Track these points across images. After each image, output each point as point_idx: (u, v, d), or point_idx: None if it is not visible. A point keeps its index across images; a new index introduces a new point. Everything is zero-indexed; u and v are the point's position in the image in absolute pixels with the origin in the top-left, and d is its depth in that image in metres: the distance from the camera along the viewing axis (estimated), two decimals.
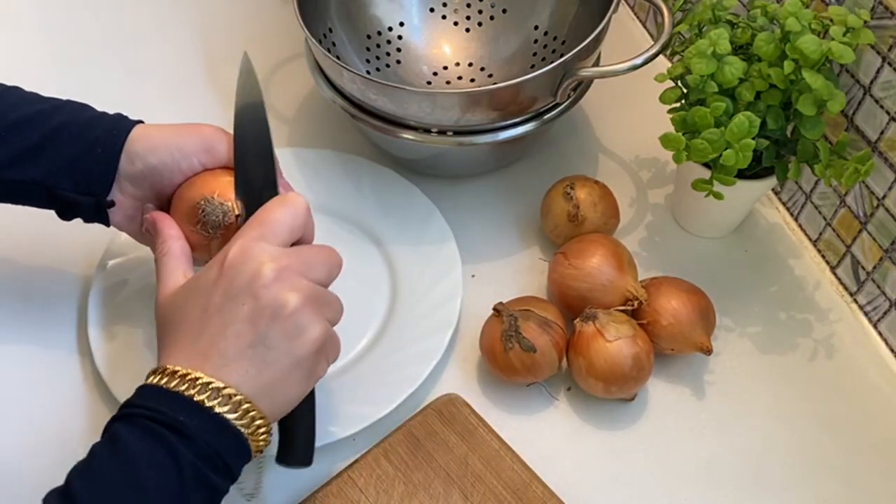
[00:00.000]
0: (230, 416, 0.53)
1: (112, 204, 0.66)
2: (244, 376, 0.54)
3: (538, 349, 0.68)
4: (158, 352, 0.57)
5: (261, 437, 0.55)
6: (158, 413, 0.52)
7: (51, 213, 0.68)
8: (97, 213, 0.66)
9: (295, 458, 0.60)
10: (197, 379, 0.53)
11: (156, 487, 0.50)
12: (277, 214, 0.58)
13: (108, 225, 0.68)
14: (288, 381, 0.56)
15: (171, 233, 0.62)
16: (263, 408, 0.54)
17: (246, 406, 0.53)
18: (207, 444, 0.52)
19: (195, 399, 0.52)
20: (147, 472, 0.50)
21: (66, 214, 0.68)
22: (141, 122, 0.67)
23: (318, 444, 0.67)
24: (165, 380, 0.53)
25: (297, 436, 0.60)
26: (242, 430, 0.53)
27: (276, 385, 0.55)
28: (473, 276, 0.79)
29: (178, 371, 0.53)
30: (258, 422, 0.54)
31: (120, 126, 0.66)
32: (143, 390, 0.54)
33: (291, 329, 0.55)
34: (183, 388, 0.53)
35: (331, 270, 0.59)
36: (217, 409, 0.52)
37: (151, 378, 0.54)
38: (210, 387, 0.53)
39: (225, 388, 0.53)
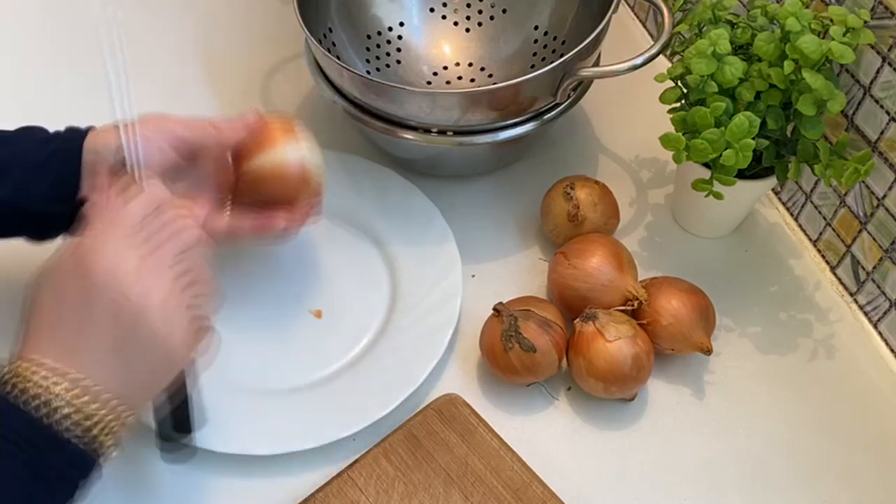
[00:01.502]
0: (77, 424, 0.51)
1: (84, 201, 0.63)
2: (105, 371, 0.53)
3: (538, 349, 0.68)
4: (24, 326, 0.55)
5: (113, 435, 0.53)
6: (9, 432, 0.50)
7: None
8: (72, 221, 0.64)
9: (171, 438, 0.60)
10: (55, 385, 0.51)
11: None
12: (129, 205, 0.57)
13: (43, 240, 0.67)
14: (150, 367, 0.55)
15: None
16: (125, 393, 0.53)
17: (96, 408, 0.52)
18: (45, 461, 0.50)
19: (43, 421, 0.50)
20: None
21: (40, 233, 0.67)
22: (92, 128, 0.67)
23: (318, 444, 0.67)
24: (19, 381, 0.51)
25: (170, 418, 0.60)
26: (88, 441, 0.52)
27: (136, 372, 0.54)
28: (473, 276, 0.79)
29: (34, 376, 0.51)
30: (112, 425, 0.53)
31: (74, 133, 0.66)
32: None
33: (156, 330, 0.54)
34: (34, 397, 0.51)
35: (187, 238, 0.58)
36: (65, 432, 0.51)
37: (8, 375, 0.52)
38: (67, 392, 0.51)
39: (82, 393, 0.51)
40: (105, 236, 0.55)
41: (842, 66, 0.70)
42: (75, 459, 0.52)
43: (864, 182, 0.72)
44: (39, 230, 0.67)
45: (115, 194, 0.58)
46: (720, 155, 0.67)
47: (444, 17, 0.92)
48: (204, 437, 0.66)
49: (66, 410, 0.51)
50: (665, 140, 0.70)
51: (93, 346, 0.53)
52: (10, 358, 0.53)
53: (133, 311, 0.53)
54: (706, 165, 0.71)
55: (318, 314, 0.76)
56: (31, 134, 0.67)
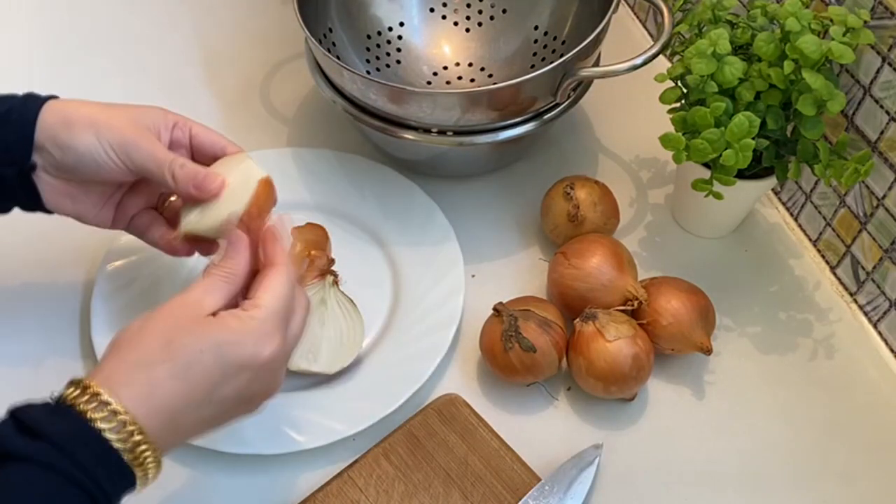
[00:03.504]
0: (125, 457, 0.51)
1: (34, 167, 0.62)
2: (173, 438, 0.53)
3: (538, 349, 0.68)
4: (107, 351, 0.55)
5: (149, 466, 0.52)
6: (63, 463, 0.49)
7: (48, 216, 0.67)
8: (24, 187, 0.63)
9: None
10: (108, 404, 0.50)
11: None
12: (297, 326, 0.59)
13: (45, 209, 0.65)
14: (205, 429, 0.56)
15: (244, 256, 0.59)
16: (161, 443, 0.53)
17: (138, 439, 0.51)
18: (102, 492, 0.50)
19: (104, 437, 0.50)
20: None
21: None
22: (55, 97, 0.64)
23: (318, 444, 0.67)
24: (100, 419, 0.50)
25: None
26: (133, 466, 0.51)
27: (186, 438, 0.55)
28: (473, 276, 0.79)
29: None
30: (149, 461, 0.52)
31: (33, 97, 0.63)
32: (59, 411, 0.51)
33: (245, 401, 0.56)
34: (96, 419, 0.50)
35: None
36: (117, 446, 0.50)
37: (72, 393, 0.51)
38: (116, 417, 0.50)
39: (125, 417, 0.50)
40: (271, 334, 0.55)
41: (842, 66, 0.70)
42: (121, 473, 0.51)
43: (864, 182, 0.72)
44: None
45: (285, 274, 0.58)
46: (720, 155, 0.67)
47: (444, 17, 0.92)
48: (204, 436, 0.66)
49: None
50: (665, 140, 0.70)
51: (191, 419, 0.54)
52: (89, 376, 0.52)
53: (249, 406, 0.56)
54: (706, 165, 0.71)
55: None
56: None
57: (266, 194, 0.62)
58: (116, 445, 0.50)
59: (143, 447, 0.51)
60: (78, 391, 0.51)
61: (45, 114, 0.62)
